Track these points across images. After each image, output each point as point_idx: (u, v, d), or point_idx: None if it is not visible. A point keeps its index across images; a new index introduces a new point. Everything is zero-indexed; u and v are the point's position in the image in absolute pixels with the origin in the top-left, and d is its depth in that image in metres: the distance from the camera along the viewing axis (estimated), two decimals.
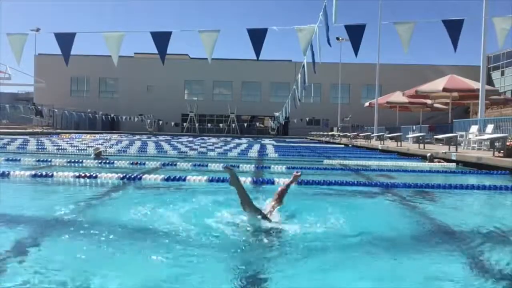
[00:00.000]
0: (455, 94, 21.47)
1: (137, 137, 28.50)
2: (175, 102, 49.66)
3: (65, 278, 2.56)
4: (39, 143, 15.45)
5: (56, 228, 3.81)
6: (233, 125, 47.37)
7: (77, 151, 13.18)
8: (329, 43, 12.88)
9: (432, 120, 33.31)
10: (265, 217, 3.77)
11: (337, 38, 39.89)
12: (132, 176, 6.89)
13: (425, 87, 20.84)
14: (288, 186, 4.58)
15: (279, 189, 4.52)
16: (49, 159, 9.60)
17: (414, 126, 23.60)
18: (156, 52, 11.62)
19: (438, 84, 19.95)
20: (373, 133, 23.24)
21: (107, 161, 9.81)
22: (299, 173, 4.79)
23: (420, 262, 3.11)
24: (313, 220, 4.07)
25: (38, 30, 35.95)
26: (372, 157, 13.80)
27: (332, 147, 21.36)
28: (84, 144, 16.02)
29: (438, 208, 5.37)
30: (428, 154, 11.24)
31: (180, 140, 24.12)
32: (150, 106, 48.38)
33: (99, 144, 15.99)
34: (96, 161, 9.89)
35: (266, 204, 4.25)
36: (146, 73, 48.95)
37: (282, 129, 48.20)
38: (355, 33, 11.25)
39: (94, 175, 6.83)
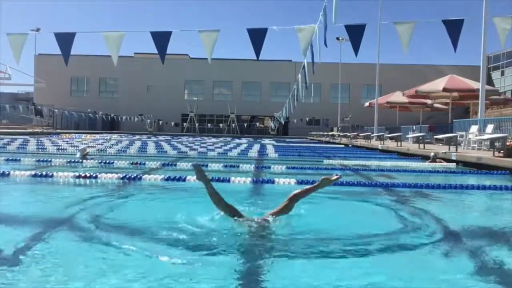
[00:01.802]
0: (455, 94, 21.48)
1: (137, 137, 28.48)
2: (175, 102, 49.65)
3: (62, 278, 2.56)
4: (39, 143, 15.45)
5: (53, 228, 3.80)
6: (233, 125, 47.38)
7: (76, 152, 13.14)
8: (325, 44, 12.92)
9: (432, 120, 33.28)
10: (238, 215, 3.73)
11: (337, 38, 39.95)
12: (132, 177, 6.88)
13: (425, 87, 20.85)
14: (308, 190, 3.89)
15: (293, 193, 3.87)
16: (49, 159, 9.59)
17: (414, 126, 23.60)
18: (156, 52, 11.60)
19: (438, 84, 19.95)
20: (373, 133, 23.23)
21: (94, 161, 9.79)
22: (337, 176, 3.86)
23: (419, 261, 3.11)
24: (312, 220, 4.06)
25: (38, 30, 35.92)
26: (372, 157, 13.80)
27: (332, 147, 21.35)
28: (84, 144, 16.00)
29: (437, 208, 5.36)
30: (432, 154, 11.16)
31: (180, 140, 24.12)
32: (150, 106, 48.37)
33: (85, 144, 15.95)
34: (85, 161, 9.82)
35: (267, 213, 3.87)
36: (146, 73, 48.94)
37: (282, 129, 48.19)
38: (355, 33, 11.22)
39: (93, 175, 6.83)
